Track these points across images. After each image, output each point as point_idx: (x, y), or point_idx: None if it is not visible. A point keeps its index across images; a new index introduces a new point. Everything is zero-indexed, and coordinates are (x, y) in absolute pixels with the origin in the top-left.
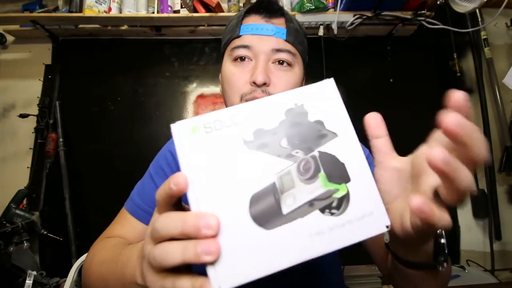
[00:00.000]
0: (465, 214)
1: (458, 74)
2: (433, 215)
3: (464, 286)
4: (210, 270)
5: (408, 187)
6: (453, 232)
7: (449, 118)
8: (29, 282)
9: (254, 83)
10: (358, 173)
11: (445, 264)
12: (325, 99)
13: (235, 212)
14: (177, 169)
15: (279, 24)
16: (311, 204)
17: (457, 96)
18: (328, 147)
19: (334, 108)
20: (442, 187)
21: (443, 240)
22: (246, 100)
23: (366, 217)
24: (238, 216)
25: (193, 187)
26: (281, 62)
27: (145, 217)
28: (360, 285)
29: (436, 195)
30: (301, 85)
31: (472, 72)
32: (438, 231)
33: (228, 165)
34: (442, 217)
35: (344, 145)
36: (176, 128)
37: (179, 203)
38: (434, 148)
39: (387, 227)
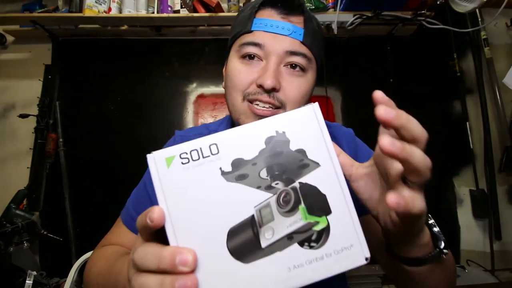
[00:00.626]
0: (465, 214)
1: (458, 74)
2: (407, 203)
3: (464, 286)
4: None
5: (384, 185)
6: (453, 232)
7: (379, 111)
8: (29, 282)
9: (261, 86)
10: (340, 205)
11: (445, 251)
12: (309, 125)
13: (213, 246)
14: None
15: (297, 22)
16: (290, 237)
17: (376, 94)
18: (309, 178)
19: (317, 136)
20: (405, 171)
21: (436, 229)
22: (249, 100)
23: (345, 250)
24: (215, 250)
25: (170, 221)
26: (293, 66)
27: (136, 228)
28: (360, 285)
29: (405, 180)
30: (311, 93)
31: (472, 72)
32: (429, 222)
33: (206, 198)
34: (415, 201)
35: (327, 175)
36: (151, 159)
37: (161, 229)
38: (381, 138)
39: (366, 259)
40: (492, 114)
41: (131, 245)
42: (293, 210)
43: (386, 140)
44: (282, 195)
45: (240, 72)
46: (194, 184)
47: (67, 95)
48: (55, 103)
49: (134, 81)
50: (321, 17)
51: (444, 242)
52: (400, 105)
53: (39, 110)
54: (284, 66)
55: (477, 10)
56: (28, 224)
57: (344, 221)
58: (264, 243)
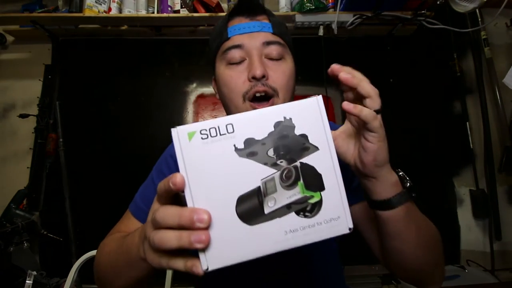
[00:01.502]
0: (465, 214)
1: (458, 74)
2: (355, 107)
3: (464, 286)
4: (200, 254)
5: (356, 138)
6: (453, 232)
7: (341, 75)
8: (29, 282)
9: (254, 77)
10: (332, 183)
11: (413, 193)
12: (312, 114)
13: (224, 209)
14: (177, 171)
15: (263, 20)
16: (288, 207)
17: (334, 66)
18: (309, 159)
19: (319, 124)
20: (360, 96)
21: (401, 173)
22: (249, 98)
23: (333, 221)
24: (226, 213)
25: (189, 187)
26: (272, 57)
27: (145, 219)
28: (360, 285)
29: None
30: (295, 76)
31: (472, 72)
32: (396, 170)
33: (220, 169)
34: (364, 110)
35: (324, 158)
36: (175, 133)
37: (176, 195)
38: (333, 68)
39: (349, 229)
40: (492, 114)
41: None
42: (293, 184)
43: (336, 66)
44: (285, 171)
45: (232, 76)
46: (211, 157)
47: (67, 95)
48: (55, 103)
49: (134, 81)
50: (321, 17)
51: (410, 183)
52: (400, 105)
53: (39, 110)
54: (265, 58)
55: (477, 10)
56: (28, 224)
57: (334, 197)
58: (267, 210)
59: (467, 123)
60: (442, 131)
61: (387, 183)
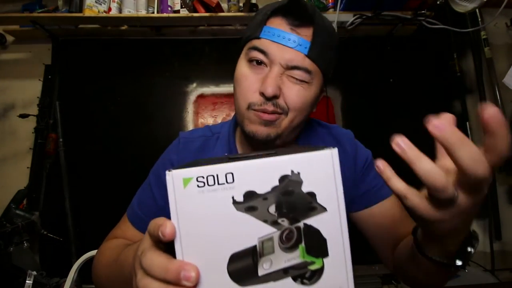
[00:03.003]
0: None
1: (458, 74)
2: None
3: (464, 286)
4: None
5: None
6: None
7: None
8: (29, 282)
9: (263, 94)
10: (337, 250)
11: (459, 271)
12: (324, 170)
13: (215, 266)
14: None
15: (304, 35)
16: (285, 271)
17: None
18: (314, 221)
19: (330, 182)
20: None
21: (469, 249)
22: (255, 111)
23: None
24: (217, 270)
25: (179, 238)
26: (295, 79)
27: (141, 226)
28: (360, 285)
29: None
30: (317, 99)
31: (472, 72)
32: (471, 237)
33: (215, 222)
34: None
35: (331, 221)
36: (170, 177)
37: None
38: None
39: None
40: None
41: (136, 240)
42: (293, 247)
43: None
44: (286, 232)
45: (246, 77)
46: (206, 208)
47: (67, 95)
48: (55, 103)
49: (134, 81)
50: None
51: (464, 263)
52: (400, 105)
53: (39, 110)
54: (286, 76)
55: (477, 10)
56: (28, 224)
57: (338, 266)
58: (261, 272)
59: (467, 123)
60: None
61: (444, 248)
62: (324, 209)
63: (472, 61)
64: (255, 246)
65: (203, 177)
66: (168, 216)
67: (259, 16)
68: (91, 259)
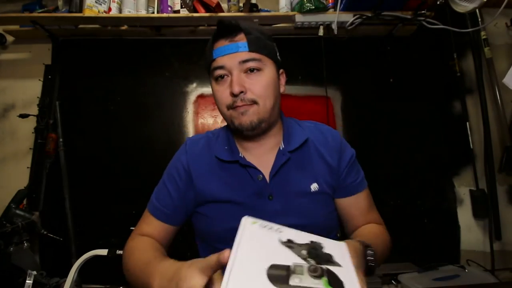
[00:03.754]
0: (465, 214)
1: (458, 74)
2: None
3: (464, 286)
4: None
5: None
6: (453, 232)
7: None
8: (29, 282)
9: (232, 93)
10: None
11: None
12: (338, 248)
13: (257, 271)
14: (185, 179)
15: (240, 39)
16: None
17: None
18: (332, 268)
19: (343, 254)
20: None
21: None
22: (232, 109)
23: None
24: (259, 274)
25: (232, 261)
26: (251, 70)
27: (162, 217)
28: None
29: None
30: (277, 81)
31: (472, 72)
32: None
33: (264, 245)
34: None
35: (345, 273)
36: (244, 219)
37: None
38: None
39: None
40: (492, 114)
41: (158, 231)
42: (318, 277)
43: None
44: (313, 267)
45: (218, 90)
46: (262, 236)
47: (67, 95)
48: (55, 103)
49: (134, 81)
50: (321, 17)
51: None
52: (400, 105)
53: (39, 110)
54: (244, 72)
55: (477, 10)
56: (28, 224)
57: None
58: (292, 282)
59: (467, 123)
60: (442, 131)
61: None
62: (339, 265)
63: (472, 61)
64: (289, 266)
65: (265, 223)
66: (181, 206)
67: (208, 46)
68: (91, 259)
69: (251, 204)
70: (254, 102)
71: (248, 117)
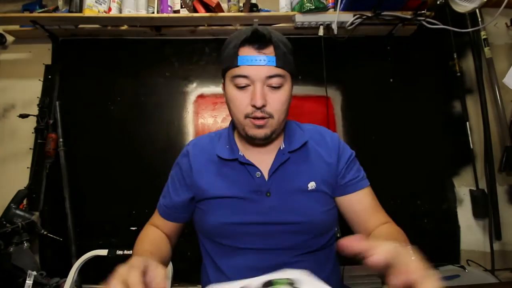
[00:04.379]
0: (465, 214)
1: (458, 74)
2: None
3: (464, 286)
4: None
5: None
6: (453, 232)
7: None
8: (29, 282)
9: (254, 106)
10: None
11: None
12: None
13: None
14: (186, 180)
15: (269, 53)
16: None
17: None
18: None
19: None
20: None
21: None
22: (250, 118)
23: None
24: None
25: None
26: (273, 87)
27: (165, 215)
28: (360, 285)
29: None
30: (291, 94)
31: (472, 72)
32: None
33: None
34: None
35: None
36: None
37: None
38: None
39: None
40: (492, 114)
41: (164, 227)
42: None
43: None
44: None
45: (238, 98)
46: None
47: (67, 95)
48: (55, 103)
49: (134, 81)
50: (321, 17)
51: None
52: (400, 105)
53: (39, 110)
54: (266, 86)
55: (477, 10)
56: (28, 224)
57: None
58: None
59: (467, 123)
60: (442, 131)
61: None
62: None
63: (472, 61)
64: None
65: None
66: (181, 207)
67: (230, 48)
68: (91, 259)
69: (249, 200)
70: (270, 116)
71: (263, 130)
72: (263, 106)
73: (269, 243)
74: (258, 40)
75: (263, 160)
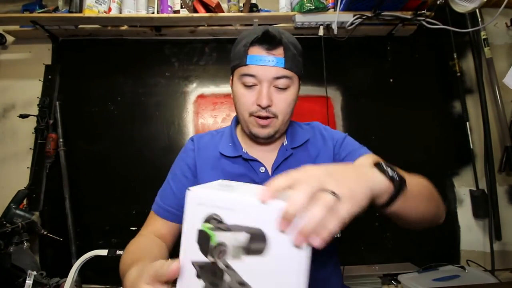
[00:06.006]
0: (465, 214)
1: (458, 74)
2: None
3: (464, 286)
4: None
5: None
6: (453, 232)
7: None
8: (29, 282)
9: (260, 105)
10: None
11: (403, 186)
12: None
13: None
14: (190, 176)
15: (278, 54)
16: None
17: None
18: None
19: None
20: None
21: (390, 173)
22: (254, 117)
23: None
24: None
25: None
26: (279, 87)
27: (166, 215)
28: (360, 285)
29: None
30: (297, 95)
31: (472, 72)
32: (384, 168)
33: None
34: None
35: None
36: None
37: None
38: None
39: None
40: (492, 114)
41: (162, 230)
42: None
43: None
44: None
45: (244, 96)
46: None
47: (67, 95)
48: (55, 103)
49: (134, 81)
50: (321, 17)
51: (395, 176)
52: (400, 105)
53: (39, 110)
54: (273, 87)
55: (477, 10)
56: (28, 224)
57: None
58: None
59: (467, 123)
60: (442, 131)
61: (382, 197)
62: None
63: (472, 61)
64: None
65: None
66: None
67: (241, 47)
68: (91, 259)
69: None
70: (275, 116)
71: (266, 130)
72: (268, 106)
73: None
74: (269, 40)
75: (266, 156)
